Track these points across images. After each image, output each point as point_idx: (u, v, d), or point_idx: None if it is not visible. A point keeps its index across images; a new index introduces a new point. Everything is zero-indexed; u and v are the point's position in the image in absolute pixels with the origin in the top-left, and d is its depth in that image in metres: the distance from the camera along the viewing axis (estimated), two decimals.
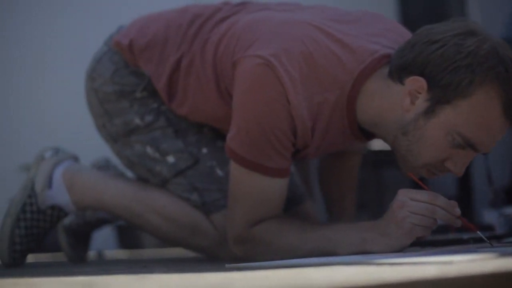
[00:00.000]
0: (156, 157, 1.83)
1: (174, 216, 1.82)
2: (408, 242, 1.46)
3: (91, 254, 2.44)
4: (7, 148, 3.58)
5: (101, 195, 1.87)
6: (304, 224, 1.61)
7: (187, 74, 1.75)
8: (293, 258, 1.49)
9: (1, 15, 3.68)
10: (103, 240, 3.12)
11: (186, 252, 2.13)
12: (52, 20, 3.74)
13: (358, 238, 1.50)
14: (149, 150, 1.84)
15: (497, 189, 2.60)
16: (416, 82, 1.48)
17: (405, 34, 1.67)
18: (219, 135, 1.82)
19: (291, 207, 1.79)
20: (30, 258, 1.98)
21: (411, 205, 1.43)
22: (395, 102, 1.52)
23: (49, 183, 1.88)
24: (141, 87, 1.84)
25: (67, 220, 2.06)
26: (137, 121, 1.84)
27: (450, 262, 1.08)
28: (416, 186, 1.57)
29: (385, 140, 1.59)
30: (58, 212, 1.89)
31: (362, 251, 1.49)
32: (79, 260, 2.06)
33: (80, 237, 2.08)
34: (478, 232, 1.47)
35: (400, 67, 1.51)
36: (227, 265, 1.40)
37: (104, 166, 2.06)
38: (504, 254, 1.20)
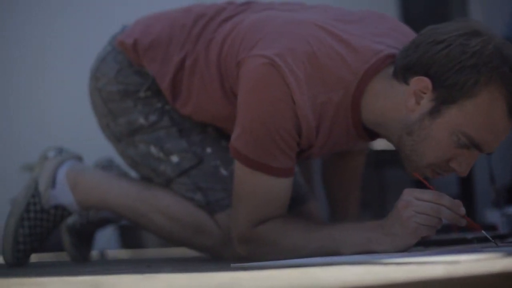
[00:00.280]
0: (160, 157, 1.83)
1: (178, 215, 1.82)
2: (413, 242, 1.46)
3: (94, 253, 2.43)
4: (7, 148, 3.58)
5: (105, 195, 1.87)
6: (309, 224, 1.61)
7: (191, 73, 1.75)
8: (297, 257, 1.49)
9: (1, 15, 3.68)
10: (106, 240, 3.12)
11: (189, 251, 2.13)
12: (52, 20, 3.74)
13: (362, 238, 1.50)
14: (153, 149, 1.84)
15: (499, 188, 2.60)
16: (421, 82, 1.48)
17: (409, 34, 1.67)
18: (223, 134, 1.82)
19: (295, 207, 1.79)
20: (33, 258, 1.98)
21: (416, 204, 1.43)
22: (400, 102, 1.52)
23: (52, 183, 1.88)
24: (145, 86, 1.84)
25: (70, 220, 2.05)
26: (141, 120, 1.84)
27: (457, 262, 1.08)
28: (419, 185, 1.56)
29: (389, 140, 1.59)
30: (61, 211, 1.89)
31: (367, 251, 1.48)
32: (82, 260, 2.06)
33: (83, 237, 2.08)
34: (483, 231, 1.47)
35: (404, 67, 1.51)
36: (232, 265, 1.40)
37: (107, 166, 2.06)
38: (510, 254, 1.20)
